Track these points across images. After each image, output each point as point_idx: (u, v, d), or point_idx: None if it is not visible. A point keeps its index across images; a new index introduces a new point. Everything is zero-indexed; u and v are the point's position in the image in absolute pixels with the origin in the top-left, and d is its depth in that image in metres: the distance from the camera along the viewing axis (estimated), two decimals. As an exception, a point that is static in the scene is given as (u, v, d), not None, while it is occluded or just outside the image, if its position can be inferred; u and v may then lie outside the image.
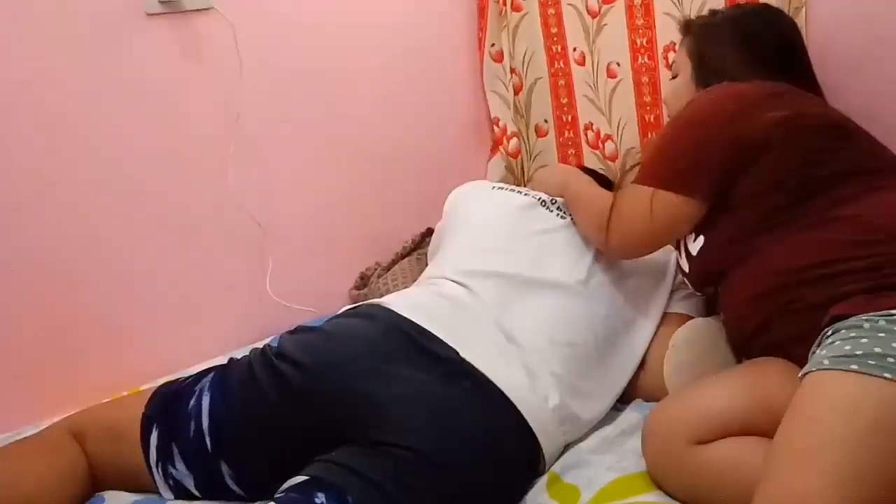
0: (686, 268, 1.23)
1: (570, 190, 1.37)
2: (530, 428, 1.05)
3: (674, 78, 1.36)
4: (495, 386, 1.04)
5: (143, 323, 1.50)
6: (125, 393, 1.34)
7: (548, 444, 1.07)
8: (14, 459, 1.04)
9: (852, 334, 0.87)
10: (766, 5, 1.37)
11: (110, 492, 1.07)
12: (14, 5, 1.31)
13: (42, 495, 0.99)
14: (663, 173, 1.15)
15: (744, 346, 1.15)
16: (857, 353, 0.84)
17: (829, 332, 0.91)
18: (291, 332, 1.15)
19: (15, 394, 1.35)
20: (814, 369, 0.86)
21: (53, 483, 1.01)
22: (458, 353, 1.06)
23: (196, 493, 1.05)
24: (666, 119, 1.65)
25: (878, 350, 0.83)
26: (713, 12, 1.37)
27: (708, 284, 1.22)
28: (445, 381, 1.03)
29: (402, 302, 1.15)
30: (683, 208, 1.14)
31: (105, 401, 1.23)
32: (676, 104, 1.29)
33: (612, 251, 1.25)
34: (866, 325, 0.87)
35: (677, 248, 1.26)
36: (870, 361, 0.82)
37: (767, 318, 1.05)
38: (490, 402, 1.03)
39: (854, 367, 0.83)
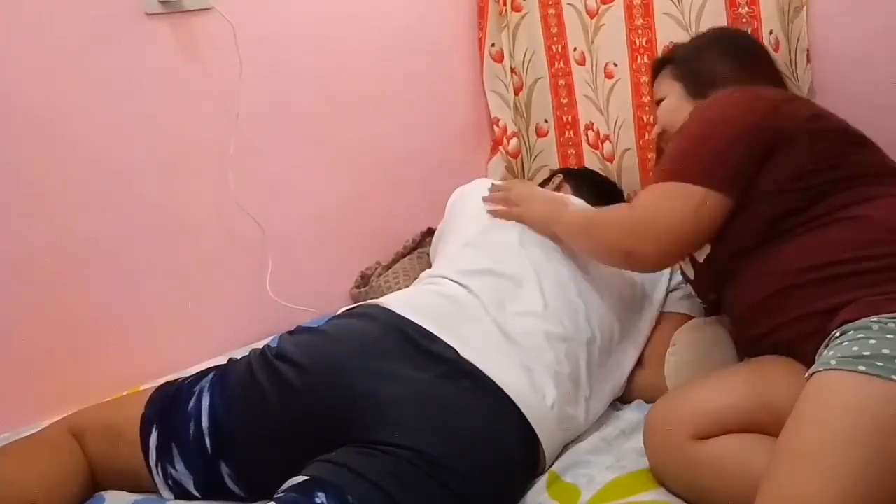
0: (691, 275, 1.22)
1: (563, 221, 1.29)
2: (530, 426, 1.05)
3: (659, 102, 1.37)
4: (495, 384, 1.04)
5: (143, 323, 1.50)
6: (125, 393, 1.34)
7: (548, 442, 1.07)
8: (14, 458, 1.04)
9: (860, 335, 0.87)
10: (733, 27, 1.46)
11: (110, 492, 1.07)
12: (14, 5, 1.31)
13: (42, 494, 0.99)
14: (701, 169, 1.09)
15: (752, 347, 1.14)
16: (865, 354, 0.84)
17: (838, 334, 0.91)
18: (291, 333, 1.15)
19: (15, 394, 1.35)
20: (820, 369, 0.86)
21: (53, 482, 1.01)
22: (457, 351, 1.06)
23: (196, 494, 1.05)
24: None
25: (886, 352, 0.83)
26: (685, 42, 1.44)
27: (712, 291, 1.21)
28: (445, 380, 1.03)
29: (401, 302, 1.15)
30: (722, 206, 1.08)
31: (105, 400, 1.23)
32: (674, 120, 1.29)
33: (643, 263, 1.15)
34: (875, 326, 0.87)
35: None
36: (877, 363, 0.82)
37: (776, 322, 1.05)
38: (490, 401, 1.03)
39: (861, 367, 0.82)
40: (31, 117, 1.34)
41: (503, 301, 1.18)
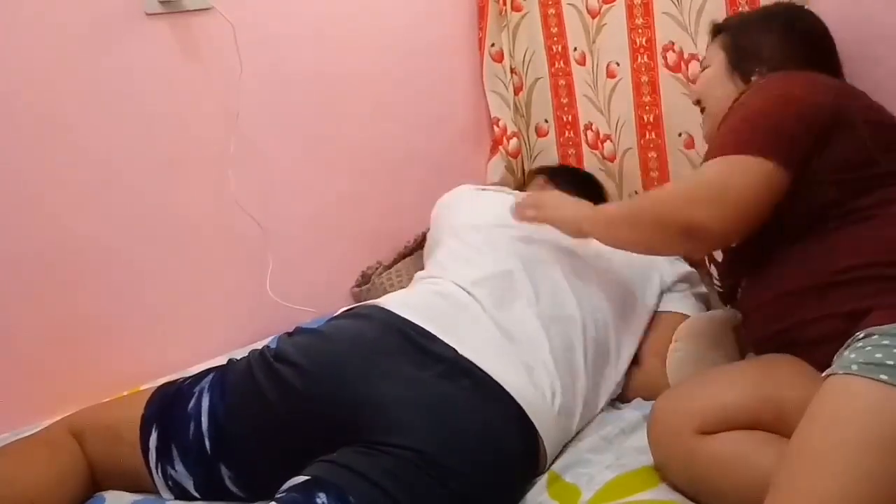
0: (719, 255, 1.19)
1: (601, 218, 1.21)
2: (531, 423, 1.05)
3: (704, 70, 1.32)
4: (495, 382, 1.04)
5: (143, 323, 1.50)
6: (125, 393, 1.34)
7: (548, 439, 1.07)
8: (14, 458, 1.04)
9: (885, 342, 0.85)
10: (797, 4, 1.35)
11: (110, 491, 1.07)
12: (13, 5, 1.31)
13: (42, 494, 0.99)
14: (770, 142, 1.04)
15: (762, 343, 1.12)
16: (889, 363, 0.82)
17: (861, 335, 0.89)
18: (289, 335, 1.15)
19: (15, 394, 1.35)
20: (840, 372, 0.85)
21: (53, 482, 1.01)
22: (456, 350, 1.06)
23: (195, 494, 1.05)
24: (665, 117, 1.66)
25: None
26: (744, 11, 1.39)
27: (736, 275, 1.18)
28: (445, 380, 1.03)
29: (399, 302, 1.16)
30: (782, 180, 1.04)
31: (104, 401, 1.23)
32: (711, 91, 1.27)
33: (704, 237, 1.07)
34: None
35: None
36: None
37: (796, 319, 1.03)
38: (490, 399, 1.03)
39: (884, 377, 0.81)
40: (31, 117, 1.34)
41: (500, 300, 1.18)
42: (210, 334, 1.57)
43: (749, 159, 1.04)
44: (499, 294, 1.19)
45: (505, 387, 1.04)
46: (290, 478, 0.93)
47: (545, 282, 1.23)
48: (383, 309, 1.14)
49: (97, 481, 1.08)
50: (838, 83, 1.13)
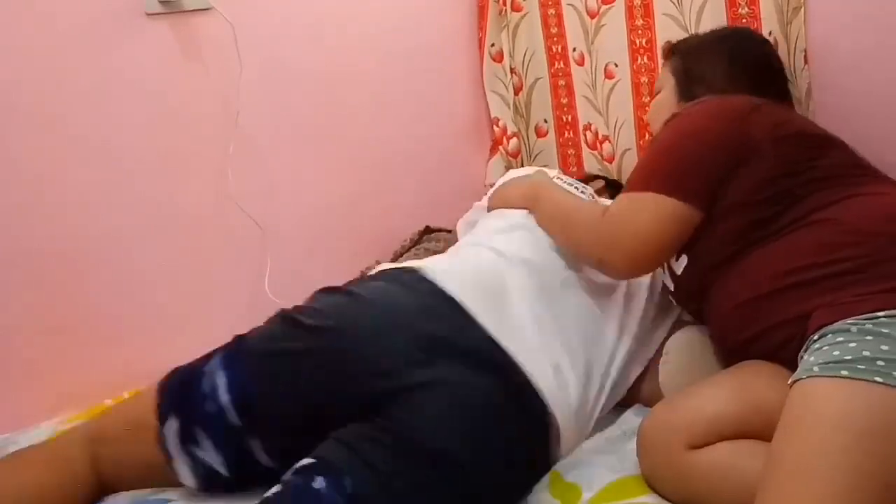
0: (671, 286, 1.23)
1: (546, 204, 1.30)
2: (556, 424, 1.04)
3: (657, 94, 1.39)
4: (526, 378, 1.02)
5: (141, 323, 1.50)
6: (125, 393, 1.34)
7: (565, 442, 1.06)
8: (19, 469, 1.03)
9: (840, 339, 0.87)
10: (745, 28, 1.44)
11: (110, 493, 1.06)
12: (14, 5, 1.31)
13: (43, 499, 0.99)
14: (670, 180, 1.11)
15: (733, 358, 1.13)
16: (847, 357, 0.84)
17: (816, 338, 0.91)
18: (319, 291, 1.14)
19: (15, 394, 1.35)
20: (804, 376, 0.86)
21: (56, 495, 1.01)
22: (493, 340, 1.04)
23: (225, 474, 1.02)
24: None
25: (867, 354, 0.83)
26: (694, 35, 1.44)
27: (692, 301, 1.21)
28: (476, 372, 1.00)
29: (447, 274, 1.12)
30: (690, 217, 1.11)
31: (106, 402, 1.23)
32: (658, 117, 1.31)
33: (613, 272, 1.18)
34: (853, 328, 0.87)
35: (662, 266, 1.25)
36: (860, 366, 0.82)
37: (753, 329, 1.04)
38: (519, 397, 1.02)
39: (844, 372, 0.82)
40: (32, 117, 1.34)
41: (541, 296, 1.16)
42: (208, 335, 1.54)
43: (655, 197, 1.11)
44: (541, 290, 1.17)
45: (536, 387, 1.02)
46: (315, 446, 0.93)
47: (587, 288, 1.22)
48: (429, 281, 1.10)
49: (112, 485, 1.06)
50: (751, 105, 1.14)
